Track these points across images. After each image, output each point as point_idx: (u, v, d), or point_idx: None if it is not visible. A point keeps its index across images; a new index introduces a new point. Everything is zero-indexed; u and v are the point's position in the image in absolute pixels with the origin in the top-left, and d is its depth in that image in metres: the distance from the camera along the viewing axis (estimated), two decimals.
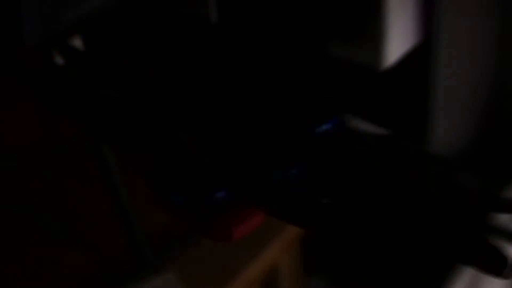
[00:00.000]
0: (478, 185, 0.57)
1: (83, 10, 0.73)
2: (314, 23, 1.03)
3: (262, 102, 0.67)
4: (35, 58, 0.76)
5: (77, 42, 0.75)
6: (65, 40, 0.74)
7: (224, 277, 1.04)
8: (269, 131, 0.62)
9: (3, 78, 0.78)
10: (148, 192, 1.10)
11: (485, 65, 1.30)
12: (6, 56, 0.76)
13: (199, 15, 0.87)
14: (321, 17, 1.02)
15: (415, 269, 1.43)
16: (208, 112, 0.67)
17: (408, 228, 0.51)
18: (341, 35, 1.02)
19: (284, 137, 0.60)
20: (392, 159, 0.60)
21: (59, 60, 0.74)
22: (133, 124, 0.65)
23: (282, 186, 0.58)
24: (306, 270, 1.57)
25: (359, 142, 0.62)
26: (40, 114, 0.88)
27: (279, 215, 0.54)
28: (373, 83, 1.34)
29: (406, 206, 0.52)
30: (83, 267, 1.06)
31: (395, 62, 1.02)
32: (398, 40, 1.00)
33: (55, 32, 0.73)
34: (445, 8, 1.06)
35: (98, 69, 0.73)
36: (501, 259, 0.47)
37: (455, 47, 1.13)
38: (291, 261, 1.23)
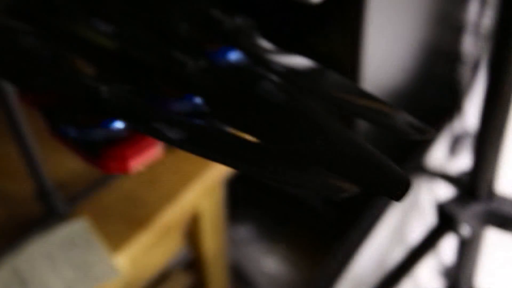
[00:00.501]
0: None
1: None
2: None
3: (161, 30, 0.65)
4: None
5: None
6: None
7: (139, 222, 1.02)
8: (166, 59, 0.59)
9: None
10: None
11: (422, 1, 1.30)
12: None
13: None
14: None
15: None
16: (104, 45, 0.65)
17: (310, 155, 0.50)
18: None
19: (180, 66, 0.58)
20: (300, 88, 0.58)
21: None
22: (28, 57, 0.62)
23: (179, 115, 0.56)
24: (228, 216, 1.57)
25: (268, 72, 0.60)
26: None
27: (177, 144, 0.51)
28: (306, 17, 1.32)
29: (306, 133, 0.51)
30: None
31: None
32: None
33: None
34: None
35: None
36: (403, 182, 0.46)
37: None
38: (213, 206, 1.22)
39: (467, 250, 0.91)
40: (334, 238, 1.41)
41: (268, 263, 1.60)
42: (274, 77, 0.57)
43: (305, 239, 1.63)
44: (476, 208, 0.88)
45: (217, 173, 1.13)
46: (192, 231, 1.23)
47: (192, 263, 1.31)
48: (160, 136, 0.51)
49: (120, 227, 1.01)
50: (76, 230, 0.99)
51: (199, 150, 0.51)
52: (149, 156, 0.56)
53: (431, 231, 0.91)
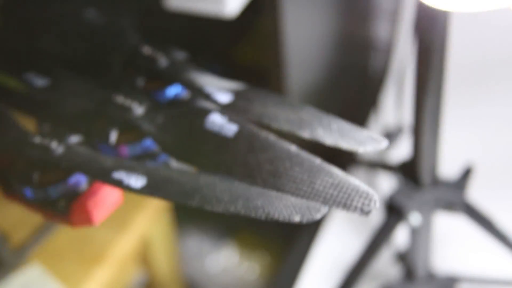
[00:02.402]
0: None
1: None
2: None
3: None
4: None
5: None
6: None
7: (93, 258, 1.03)
8: (111, 106, 0.61)
9: None
10: None
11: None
12: None
13: None
14: None
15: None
16: (43, 99, 0.66)
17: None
18: None
19: (125, 111, 0.60)
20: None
21: None
22: None
23: (133, 161, 0.58)
24: (178, 231, 1.58)
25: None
26: None
27: (138, 191, 0.54)
28: (222, 31, 1.35)
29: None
30: None
31: (240, 7, 1.02)
32: None
33: None
34: None
35: None
36: (372, 200, 0.50)
37: None
38: (162, 230, 1.24)
39: (420, 236, 0.96)
40: (286, 239, 1.44)
41: (221, 274, 1.63)
42: (219, 109, 0.60)
43: (254, 243, 1.66)
44: (423, 196, 0.92)
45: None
46: (144, 256, 1.24)
47: (149, 286, 1.33)
48: (121, 186, 0.53)
49: (75, 267, 1.02)
50: (30, 277, 0.99)
51: (159, 194, 0.53)
52: (111, 205, 0.58)
53: (383, 223, 0.95)
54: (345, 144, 0.56)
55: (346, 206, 0.50)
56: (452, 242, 1.17)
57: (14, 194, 0.59)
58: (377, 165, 1.21)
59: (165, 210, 1.23)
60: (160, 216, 1.21)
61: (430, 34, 0.79)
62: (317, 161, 0.53)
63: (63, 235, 1.07)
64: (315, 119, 0.58)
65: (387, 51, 1.52)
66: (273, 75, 1.20)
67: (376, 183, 1.28)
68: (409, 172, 0.94)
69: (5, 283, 0.98)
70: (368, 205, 0.50)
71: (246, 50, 1.40)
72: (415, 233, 0.97)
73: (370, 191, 0.50)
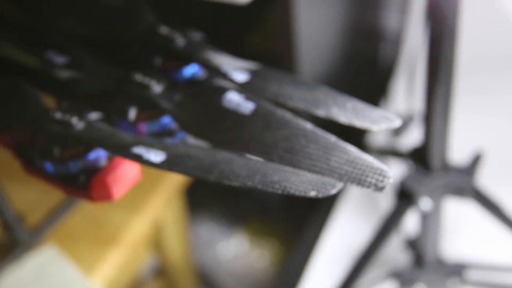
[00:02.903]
0: None
1: None
2: None
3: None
4: None
5: None
6: None
7: (107, 241, 1.05)
8: (129, 84, 0.62)
9: None
10: (11, 168, 1.08)
11: None
12: None
13: None
14: None
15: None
16: (63, 77, 0.67)
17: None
18: None
19: (144, 89, 0.61)
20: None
21: None
22: None
23: (152, 137, 0.60)
24: (190, 218, 1.60)
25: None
26: None
27: (157, 165, 0.55)
28: (235, 19, 1.36)
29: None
30: None
31: None
32: None
33: None
34: None
35: None
36: (386, 175, 0.51)
37: None
38: (174, 214, 1.25)
39: (429, 222, 0.97)
40: (296, 226, 1.45)
41: (232, 261, 1.64)
42: (236, 87, 0.61)
43: (264, 230, 1.67)
44: (433, 181, 0.93)
45: (174, 183, 1.16)
46: (157, 241, 1.26)
47: (161, 271, 1.35)
48: (140, 160, 0.54)
49: (89, 249, 1.04)
50: (46, 258, 1.01)
51: (178, 169, 0.54)
52: (130, 180, 0.60)
53: (393, 209, 0.96)
54: (359, 122, 0.57)
55: (360, 182, 0.51)
56: (461, 229, 1.18)
57: (34, 169, 0.61)
58: (388, 152, 1.22)
59: (178, 195, 1.25)
60: (173, 201, 1.23)
61: (441, 20, 0.80)
62: (333, 138, 0.54)
63: (78, 217, 1.09)
64: (330, 98, 0.60)
65: (398, 40, 1.53)
66: (285, 63, 1.21)
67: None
68: (419, 157, 0.95)
69: (21, 263, 1.00)
70: (382, 181, 0.51)
71: (258, 38, 1.41)
72: (425, 218, 0.98)
73: (384, 167, 0.51)
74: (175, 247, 1.30)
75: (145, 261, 1.26)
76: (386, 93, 1.49)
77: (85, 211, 1.10)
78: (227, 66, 0.64)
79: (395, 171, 1.20)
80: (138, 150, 0.55)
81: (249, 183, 0.52)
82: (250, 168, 0.53)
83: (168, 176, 1.14)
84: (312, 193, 0.50)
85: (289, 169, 0.52)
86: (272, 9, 1.18)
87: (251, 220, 1.69)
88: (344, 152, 0.53)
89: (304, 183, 0.51)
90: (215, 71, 0.64)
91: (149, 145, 0.56)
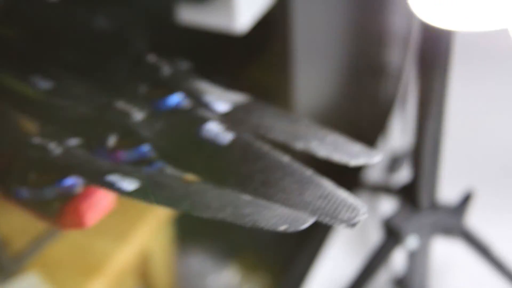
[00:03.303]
0: None
1: None
2: None
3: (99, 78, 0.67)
4: None
5: None
6: None
7: (91, 270, 1.03)
8: (110, 111, 0.62)
9: None
10: None
11: (348, 16, 1.35)
12: None
13: None
14: None
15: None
16: (44, 101, 0.67)
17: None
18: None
19: (124, 117, 0.61)
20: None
21: None
22: None
23: (129, 165, 0.59)
24: (180, 249, 1.58)
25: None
26: None
27: (131, 194, 0.54)
28: (232, 46, 1.36)
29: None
30: None
31: (251, 24, 1.03)
32: (251, 2, 1.01)
33: None
34: None
35: None
36: (358, 212, 0.50)
37: (311, 6, 1.16)
38: (161, 244, 1.24)
39: (416, 259, 0.96)
40: (287, 261, 1.44)
41: None
42: (216, 118, 0.61)
43: (255, 264, 1.66)
44: (421, 219, 0.92)
45: (163, 212, 1.15)
46: (144, 271, 1.24)
47: None
48: (113, 189, 0.54)
49: (72, 278, 1.03)
50: (27, 285, 0.99)
51: (149, 199, 0.53)
52: (103, 208, 0.59)
53: (379, 246, 0.95)
54: (337, 156, 0.57)
55: (333, 217, 0.50)
56: (450, 270, 1.17)
57: (9, 194, 0.60)
58: (382, 188, 1.21)
59: (166, 225, 1.24)
60: (160, 231, 1.22)
61: (433, 54, 0.80)
62: (308, 172, 0.54)
63: (63, 245, 1.08)
64: (311, 131, 0.59)
65: (398, 76, 1.53)
66: (281, 98, 1.21)
67: (379, 207, 1.28)
68: (408, 195, 0.94)
69: None
70: (355, 217, 0.50)
71: (254, 71, 1.41)
72: (412, 256, 0.97)
73: (358, 204, 0.51)
74: (162, 278, 1.29)
75: None
76: (384, 130, 1.48)
77: (70, 239, 1.08)
78: (210, 96, 0.64)
79: (386, 207, 1.20)
80: (112, 178, 0.55)
81: (220, 216, 0.51)
82: (223, 200, 0.52)
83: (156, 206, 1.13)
84: (282, 227, 0.50)
85: (262, 202, 0.52)
86: (269, 43, 1.18)
87: (243, 253, 1.67)
88: (318, 187, 0.52)
89: (276, 217, 0.50)
90: (197, 100, 0.64)
91: (124, 173, 0.55)
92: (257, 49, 1.37)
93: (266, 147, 0.56)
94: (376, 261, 0.95)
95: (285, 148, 0.58)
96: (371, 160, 0.57)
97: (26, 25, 0.76)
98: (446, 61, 0.81)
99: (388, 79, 1.59)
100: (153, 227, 1.14)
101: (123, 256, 1.07)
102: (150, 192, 0.53)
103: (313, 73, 1.29)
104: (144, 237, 1.12)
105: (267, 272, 1.63)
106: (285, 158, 0.55)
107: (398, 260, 1.11)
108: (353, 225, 0.50)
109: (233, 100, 0.63)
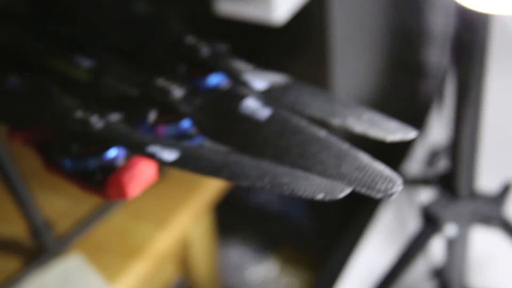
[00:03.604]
0: None
1: None
2: None
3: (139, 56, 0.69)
4: None
5: None
6: None
7: (132, 253, 1.06)
8: (151, 88, 0.63)
9: None
10: (44, 177, 1.10)
11: (387, 13, 1.35)
12: None
13: None
14: None
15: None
16: (88, 79, 0.69)
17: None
18: None
19: (165, 94, 0.62)
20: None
21: None
22: (18, 96, 0.66)
23: (169, 139, 0.61)
24: (219, 242, 1.60)
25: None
26: None
27: (172, 164, 0.56)
28: (270, 37, 1.37)
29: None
30: None
31: (289, 15, 1.05)
32: None
33: None
34: None
35: None
36: (394, 182, 0.51)
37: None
38: (202, 231, 1.26)
39: (455, 249, 0.96)
40: (323, 254, 1.45)
41: (261, 287, 1.64)
42: (255, 95, 0.62)
43: (295, 257, 1.66)
44: (459, 208, 0.92)
45: (203, 199, 1.17)
46: (184, 258, 1.26)
47: None
48: (154, 159, 0.55)
49: (114, 260, 1.05)
50: (71, 266, 1.02)
51: (189, 167, 0.55)
52: (145, 180, 0.60)
53: (418, 233, 0.95)
54: (373, 132, 0.57)
55: (370, 188, 0.51)
56: (490, 261, 1.16)
57: (54, 166, 0.62)
58: (420, 181, 1.21)
59: (207, 212, 1.26)
60: (201, 218, 1.23)
61: (470, 41, 0.80)
62: (345, 146, 0.55)
63: (106, 228, 1.10)
64: (347, 108, 0.60)
65: (436, 72, 1.53)
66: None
67: (419, 200, 1.28)
68: (447, 183, 0.94)
69: (46, 270, 1.02)
70: (391, 188, 0.51)
71: (291, 63, 1.42)
72: (451, 246, 0.96)
73: (394, 175, 0.52)
74: (202, 265, 1.30)
75: (171, 278, 1.27)
76: (423, 125, 1.48)
77: (113, 222, 1.11)
78: (248, 75, 0.65)
79: (426, 199, 1.19)
80: (153, 148, 0.56)
81: (258, 184, 0.52)
82: (261, 170, 0.53)
83: (198, 191, 1.15)
84: (320, 196, 0.51)
85: (299, 173, 0.53)
86: (307, 36, 1.19)
87: (282, 246, 1.69)
88: (355, 159, 0.53)
89: (313, 186, 0.51)
90: (236, 79, 0.65)
91: (164, 145, 0.57)
92: (295, 42, 1.38)
93: (303, 122, 0.57)
94: (414, 248, 0.95)
95: (322, 124, 0.59)
96: (407, 136, 0.57)
97: (70, 8, 0.79)
98: (483, 47, 0.81)
99: (426, 75, 1.59)
100: (193, 214, 1.15)
101: (164, 241, 1.09)
102: (189, 162, 0.55)
103: (351, 67, 1.29)
104: (185, 223, 1.14)
105: (306, 265, 1.63)
106: (322, 132, 0.56)
107: (436, 251, 1.10)
108: (390, 195, 0.51)
109: (272, 79, 0.65)
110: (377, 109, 0.61)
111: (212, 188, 1.18)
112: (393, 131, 0.58)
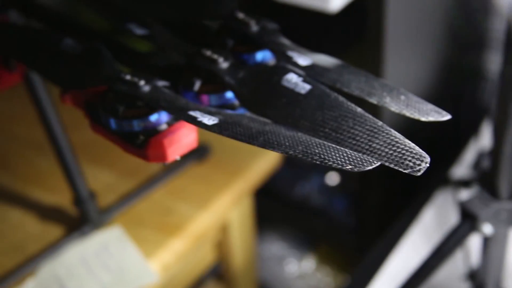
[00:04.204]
0: None
1: None
2: None
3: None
4: None
5: None
6: None
7: (171, 230, 1.09)
8: (198, 58, 0.67)
9: None
10: (93, 150, 1.15)
11: (446, 13, 1.36)
12: None
13: None
14: None
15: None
16: (139, 47, 0.73)
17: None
18: None
19: (211, 63, 0.65)
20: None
21: None
22: (70, 58, 0.70)
23: (212, 107, 0.64)
24: (259, 233, 1.63)
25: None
26: None
27: (212, 128, 0.58)
28: (325, 30, 1.40)
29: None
30: (28, 224, 1.10)
31: (345, 4, 1.07)
32: None
33: None
34: None
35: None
36: (421, 157, 0.53)
37: None
38: (241, 217, 1.29)
39: (492, 250, 0.97)
40: (361, 253, 1.46)
41: (297, 281, 1.66)
42: (297, 70, 0.65)
43: (332, 254, 1.68)
44: (499, 208, 0.93)
45: (245, 183, 1.20)
46: (222, 242, 1.29)
47: (223, 276, 1.38)
48: (195, 122, 0.58)
49: (152, 235, 1.09)
50: (110, 237, 1.06)
51: (226, 133, 0.58)
52: (185, 146, 0.64)
53: (453, 229, 0.96)
54: (408, 112, 0.60)
55: (398, 164, 0.53)
56: None
57: (99, 125, 0.66)
58: (465, 183, 1.22)
59: (248, 199, 1.29)
60: (242, 204, 1.26)
61: None
62: (379, 122, 0.57)
63: (147, 204, 1.14)
64: (386, 89, 0.62)
65: (491, 77, 1.53)
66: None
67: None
68: (487, 183, 0.95)
69: (87, 239, 1.06)
70: (420, 164, 0.53)
71: (343, 51, 1.44)
72: (487, 247, 0.97)
73: (424, 153, 0.54)
74: (240, 252, 1.33)
75: (207, 261, 1.30)
76: (478, 131, 1.48)
77: (155, 199, 1.15)
78: (293, 52, 0.68)
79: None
80: (194, 113, 0.60)
81: (291, 152, 0.55)
82: (295, 140, 0.56)
83: (240, 175, 1.18)
84: (348, 167, 0.53)
85: (331, 145, 0.55)
86: (363, 26, 1.21)
87: (321, 242, 1.71)
88: (387, 136, 0.56)
89: (343, 157, 0.54)
90: (281, 55, 0.68)
91: (206, 111, 0.60)
92: (350, 34, 1.40)
93: (341, 98, 0.60)
94: (449, 244, 0.96)
95: (360, 102, 0.62)
96: (441, 117, 0.59)
97: None
98: None
99: (484, 79, 1.59)
100: (235, 198, 1.19)
101: (203, 222, 1.13)
102: (227, 128, 0.58)
103: (405, 64, 1.31)
104: (225, 207, 1.17)
105: (344, 262, 1.65)
106: (359, 109, 0.58)
107: (472, 253, 1.11)
108: (418, 171, 0.53)
109: (316, 57, 0.67)
110: None
111: (255, 173, 1.21)
112: (427, 113, 0.60)
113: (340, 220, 1.59)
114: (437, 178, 1.37)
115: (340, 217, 1.59)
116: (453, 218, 1.21)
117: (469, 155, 1.40)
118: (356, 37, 1.42)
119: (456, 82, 1.56)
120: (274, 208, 1.67)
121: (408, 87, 1.33)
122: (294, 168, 1.66)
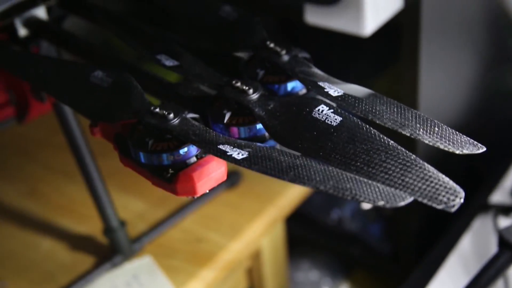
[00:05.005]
0: None
1: None
2: None
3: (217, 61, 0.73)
4: None
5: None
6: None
7: (202, 259, 1.10)
8: (228, 90, 0.67)
9: None
10: (123, 179, 1.16)
11: (486, 32, 1.35)
12: None
13: None
14: None
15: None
16: (168, 78, 0.74)
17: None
18: (319, 2, 1.07)
19: (241, 95, 0.66)
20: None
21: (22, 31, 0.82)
22: (101, 91, 0.71)
23: (241, 140, 0.64)
24: (291, 254, 1.62)
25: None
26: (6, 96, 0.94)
27: (241, 162, 0.59)
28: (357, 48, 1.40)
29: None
30: (59, 254, 1.12)
31: (378, 27, 1.07)
32: (379, 5, 1.05)
33: None
34: None
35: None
36: (456, 193, 0.53)
37: (441, 9, 1.17)
38: (273, 244, 1.29)
39: None
40: (398, 281, 1.45)
41: None
42: (328, 101, 0.65)
43: (368, 281, 1.67)
44: None
45: (277, 210, 1.20)
46: (253, 269, 1.29)
47: None
48: (224, 156, 0.59)
49: (183, 265, 1.09)
50: (141, 267, 1.07)
51: (256, 167, 0.58)
52: (214, 179, 0.64)
53: (492, 258, 0.95)
54: (442, 145, 0.59)
55: (431, 199, 0.53)
56: None
57: (129, 159, 0.66)
58: (505, 209, 1.21)
59: (281, 225, 1.29)
60: (274, 230, 1.26)
61: None
62: (412, 156, 0.57)
63: (178, 233, 1.15)
64: (419, 120, 0.62)
65: None
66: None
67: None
68: None
69: (118, 269, 1.07)
70: (454, 200, 0.53)
71: (380, 78, 1.44)
72: None
73: (458, 188, 0.54)
74: (272, 279, 1.33)
75: None
76: None
77: (185, 228, 1.16)
78: (324, 82, 0.68)
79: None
80: (224, 147, 0.60)
81: (321, 187, 0.55)
82: (326, 174, 0.56)
83: (272, 203, 1.19)
84: (381, 203, 0.53)
85: (363, 179, 0.55)
86: (397, 51, 1.21)
87: (355, 268, 1.70)
88: (421, 170, 0.56)
89: (375, 192, 0.54)
90: (312, 84, 0.68)
91: (235, 145, 0.60)
92: (384, 55, 1.40)
93: (373, 130, 0.60)
94: (487, 274, 0.95)
95: (392, 134, 0.62)
96: (476, 150, 0.59)
97: (158, 10, 0.84)
98: None
99: None
100: (267, 226, 1.19)
101: (235, 251, 1.13)
102: (258, 161, 0.58)
103: (443, 85, 1.30)
104: (258, 235, 1.17)
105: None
106: (391, 142, 0.59)
107: None
108: (452, 207, 0.52)
109: (347, 87, 0.67)
110: (467, 132, 0.63)
111: (287, 200, 1.21)
112: (462, 145, 0.59)
113: (375, 246, 1.58)
114: (476, 204, 1.36)
115: (375, 242, 1.58)
116: (493, 246, 1.19)
117: (509, 181, 1.38)
118: (391, 58, 1.42)
119: (494, 103, 1.55)
120: (307, 233, 1.67)
121: (444, 107, 1.32)
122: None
